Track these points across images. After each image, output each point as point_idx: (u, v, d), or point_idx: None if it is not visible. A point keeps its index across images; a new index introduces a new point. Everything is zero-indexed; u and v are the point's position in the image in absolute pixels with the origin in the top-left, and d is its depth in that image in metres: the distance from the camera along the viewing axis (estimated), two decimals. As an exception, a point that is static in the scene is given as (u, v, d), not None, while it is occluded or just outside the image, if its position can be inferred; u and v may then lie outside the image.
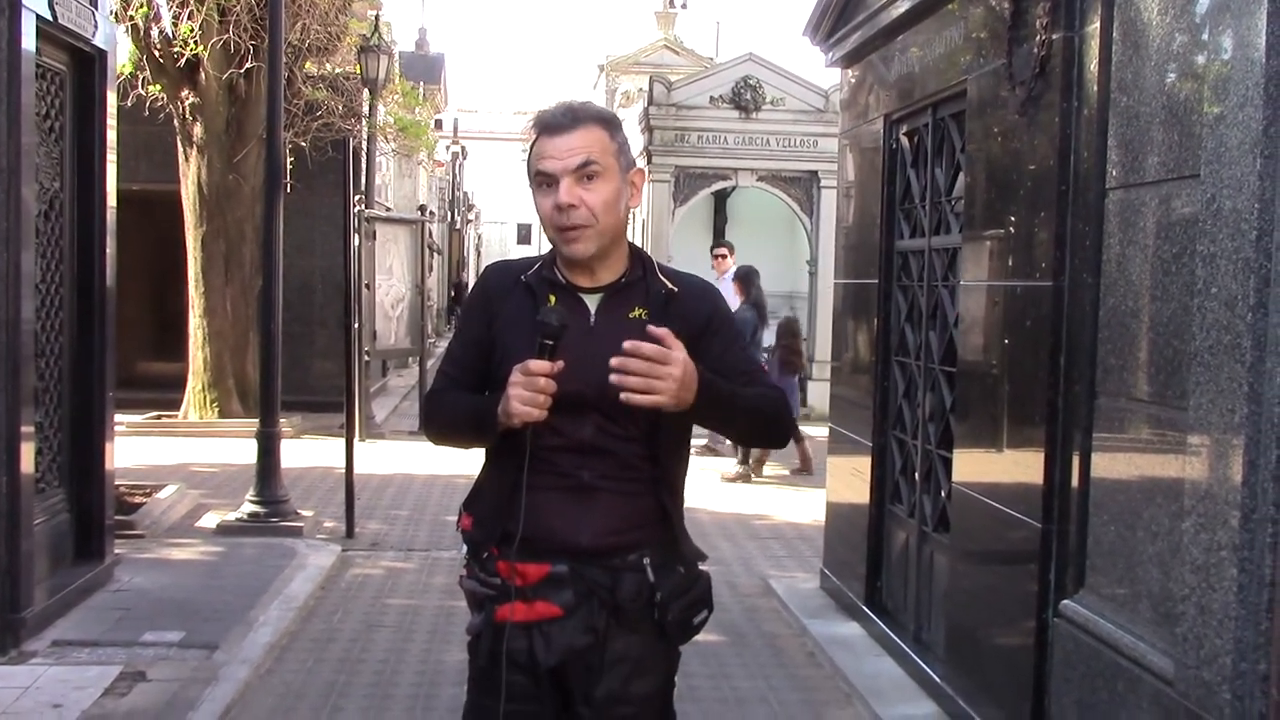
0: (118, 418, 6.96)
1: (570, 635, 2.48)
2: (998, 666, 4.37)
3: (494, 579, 2.52)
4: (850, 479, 6.36)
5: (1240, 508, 2.82)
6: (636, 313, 2.52)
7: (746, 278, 10.79)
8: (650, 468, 2.53)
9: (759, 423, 2.63)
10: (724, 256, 12.30)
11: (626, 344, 2.30)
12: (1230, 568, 2.85)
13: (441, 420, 2.67)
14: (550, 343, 2.36)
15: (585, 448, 2.48)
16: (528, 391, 2.35)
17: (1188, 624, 3.04)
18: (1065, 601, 3.86)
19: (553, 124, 2.48)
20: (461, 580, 2.64)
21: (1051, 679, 3.93)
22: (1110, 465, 3.70)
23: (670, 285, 2.57)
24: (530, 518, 2.47)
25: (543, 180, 2.48)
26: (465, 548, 2.63)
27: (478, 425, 2.51)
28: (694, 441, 2.74)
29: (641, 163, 16.11)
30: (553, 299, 2.51)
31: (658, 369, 2.30)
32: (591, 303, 2.54)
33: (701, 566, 2.64)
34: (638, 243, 16.68)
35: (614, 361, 2.30)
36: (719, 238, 17.32)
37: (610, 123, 2.53)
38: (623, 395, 2.31)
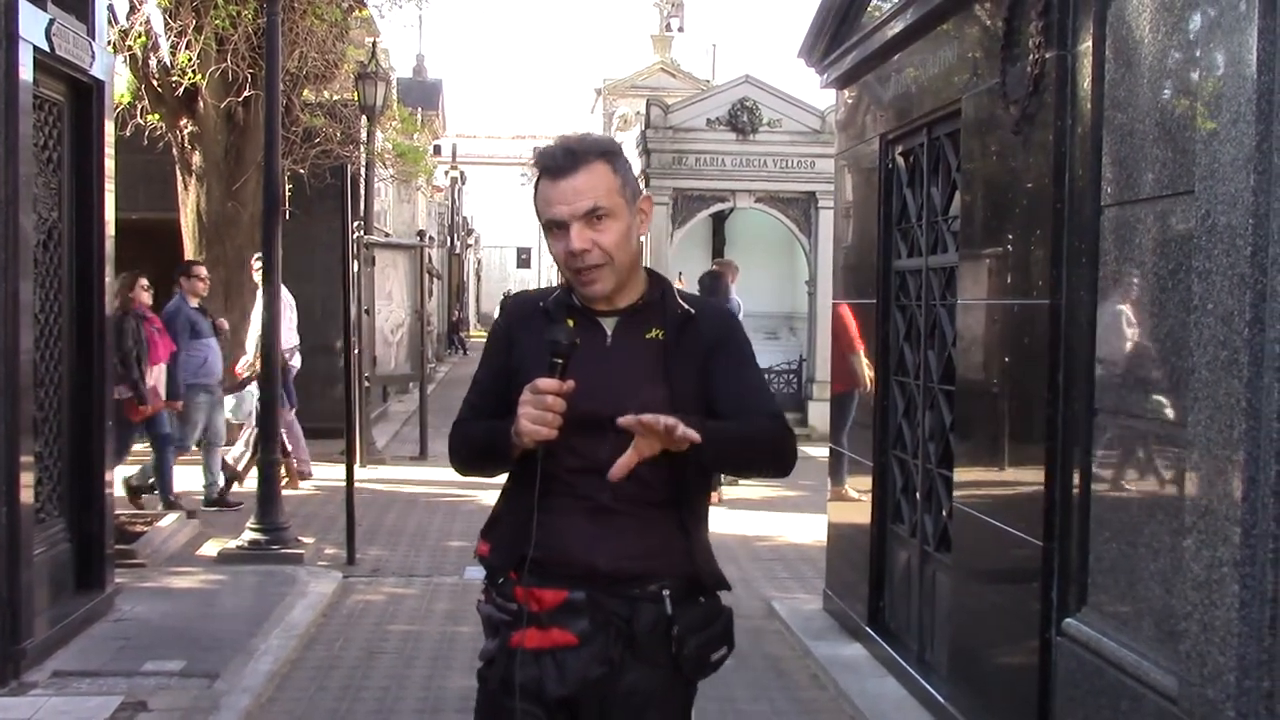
0: (118, 447, 6.95)
1: (584, 665, 2.46)
2: (1001, 686, 4.35)
3: (511, 604, 2.51)
4: (851, 499, 6.35)
5: (1241, 524, 2.81)
6: (654, 333, 2.54)
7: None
8: (671, 490, 2.51)
9: (756, 456, 2.56)
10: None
11: (632, 420, 2.31)
12: (1232, 584, 2.84)
13: (462, 448, 2.67)
14: (559, 361, 2.36)
15: (603, 468, 2.43)
16: (536, 410, 2.34)
17: (1190, 641, 3.03)
18: (1068, 620, 3.85)
19: (554, 167, 2.47)
20: (479, 605, 2.63)
21: (1055, 698, 3.91)
22: (1110, 482, 3.69)
23: (688, 307, 2.58)
24: (546, 540, 2.45)
25: (553, 225, 2.49)
26: (484, 573, 2.62)
27: (493, 449, 2.51)
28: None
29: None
30: (571, 323, 2.50)
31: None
32: (608, 324, 2.55)
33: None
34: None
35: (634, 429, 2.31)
36: (718, 259, 17.31)
37: (611, 154, 2.52)
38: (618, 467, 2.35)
